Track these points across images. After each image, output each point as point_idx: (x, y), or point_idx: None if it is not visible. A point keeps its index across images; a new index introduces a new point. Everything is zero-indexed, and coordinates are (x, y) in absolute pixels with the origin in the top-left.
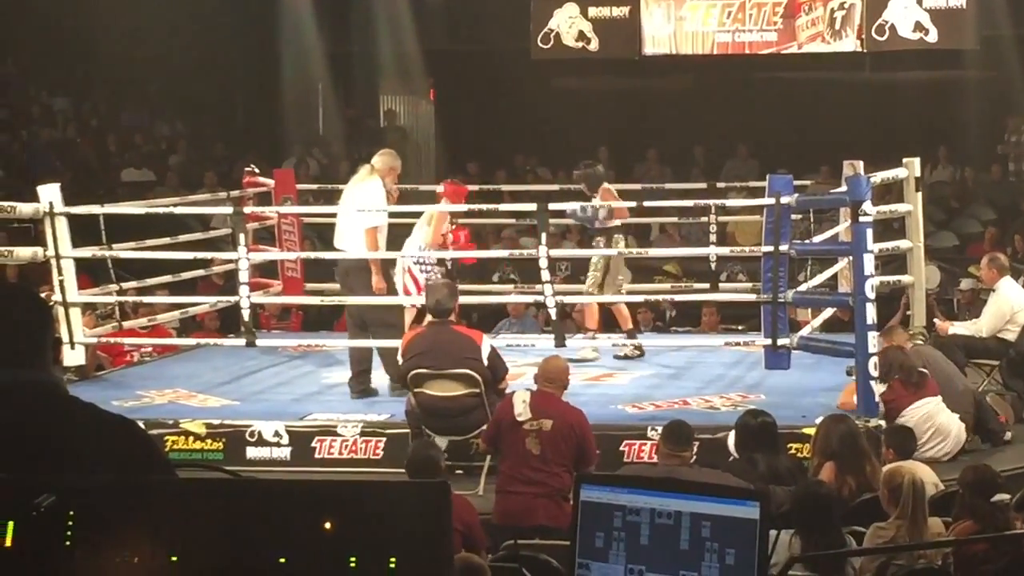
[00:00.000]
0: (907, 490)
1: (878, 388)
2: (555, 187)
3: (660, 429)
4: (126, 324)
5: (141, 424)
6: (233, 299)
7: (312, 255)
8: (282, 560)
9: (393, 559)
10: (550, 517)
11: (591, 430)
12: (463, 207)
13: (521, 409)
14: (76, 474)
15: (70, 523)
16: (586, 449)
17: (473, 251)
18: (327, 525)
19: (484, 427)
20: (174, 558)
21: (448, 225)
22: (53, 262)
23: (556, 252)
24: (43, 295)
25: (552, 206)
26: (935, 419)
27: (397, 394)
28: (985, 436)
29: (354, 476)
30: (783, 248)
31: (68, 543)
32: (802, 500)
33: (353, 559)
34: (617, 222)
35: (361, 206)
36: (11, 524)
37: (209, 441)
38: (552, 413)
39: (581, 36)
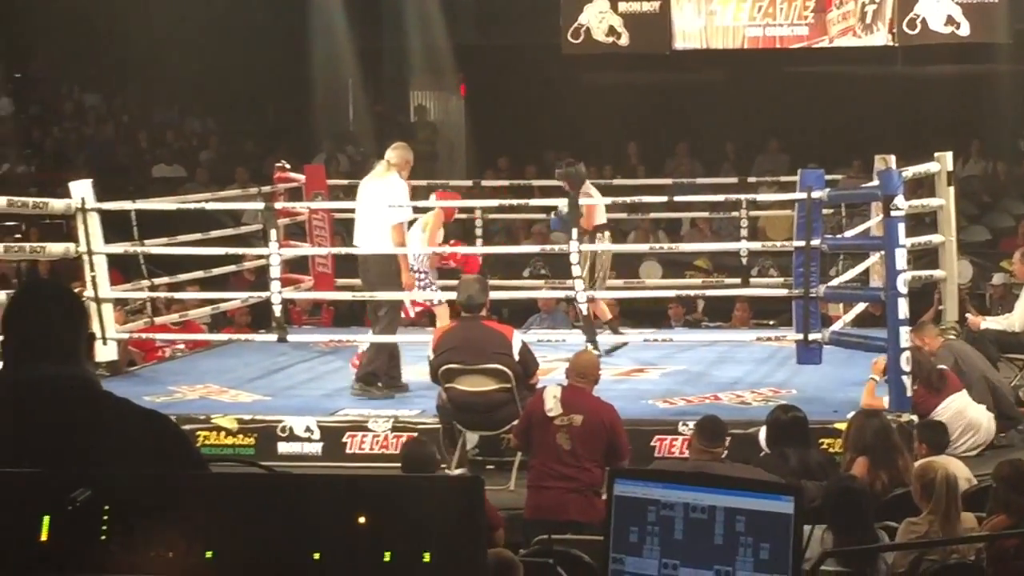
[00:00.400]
0: (940, 485)
1: (910, 384)
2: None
3: (691, 424)
4: (157, 320)
5: (174, 419)
6: (264, 295)
7: (343, 250)
8: (316, 555)
9: (427, 554)
10: (582, 512)
11: (622, 425)
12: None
13: (552, 404)
14: (111, 469)
15: (105, 517)
16: (617, 444)
17: (471, 263)
18: (361, 520)
19: (515, 422)
20: (209, 553)
21: (440, 234)
22: (85, 258)
23: (587, 247)
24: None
25: (582, 201)
26: (966, 414)
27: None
28: (1005, 424)
29: (385, 471)
30: (815, 243)
31: (103, 537)
32: (834, 495)
33: (388, 554)
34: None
35: (384, 202)
36: (47, 518)
37: (241, 436)
38: (583, 408)
39: (611, 31)
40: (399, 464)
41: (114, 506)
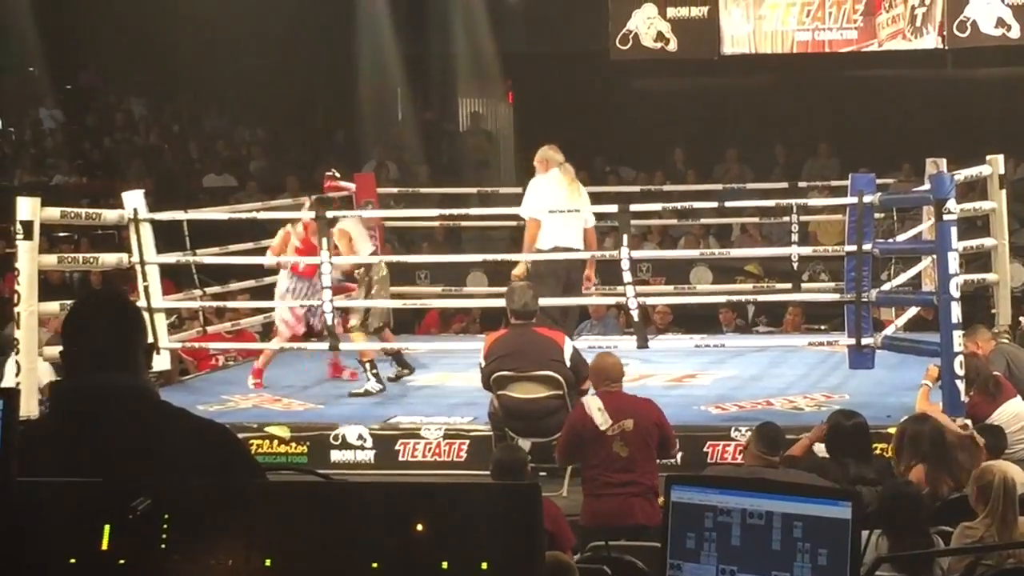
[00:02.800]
0: (998, 488)
1: (964, 388)
2: (636, 188)
3: (744, 430)
4: (210, 329)
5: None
6: (315, 303)
7: (394, 258)
8: (374, 564)
9: (485, 563)
10: (646, 516)
11: (665, 415)
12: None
13: (601, 419)
14: (170, 478)
15: (165, 526)
16: (667, 436)
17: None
18: (419, 527)
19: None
20: (268, 562)
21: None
22: (138, 268)
23: (637, 253)
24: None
25: (633, 207)
26: (1022, 417)
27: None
28: None
29: (438, 479)
30: (866, 247)
31: (163, 546)
32: (890, 500)
33: (445, 563)
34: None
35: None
36: (108, 527)
37: (293, 445)
38: (631, 412)
39: (660, 37)
40: (454, 471)
41: (173, 515)
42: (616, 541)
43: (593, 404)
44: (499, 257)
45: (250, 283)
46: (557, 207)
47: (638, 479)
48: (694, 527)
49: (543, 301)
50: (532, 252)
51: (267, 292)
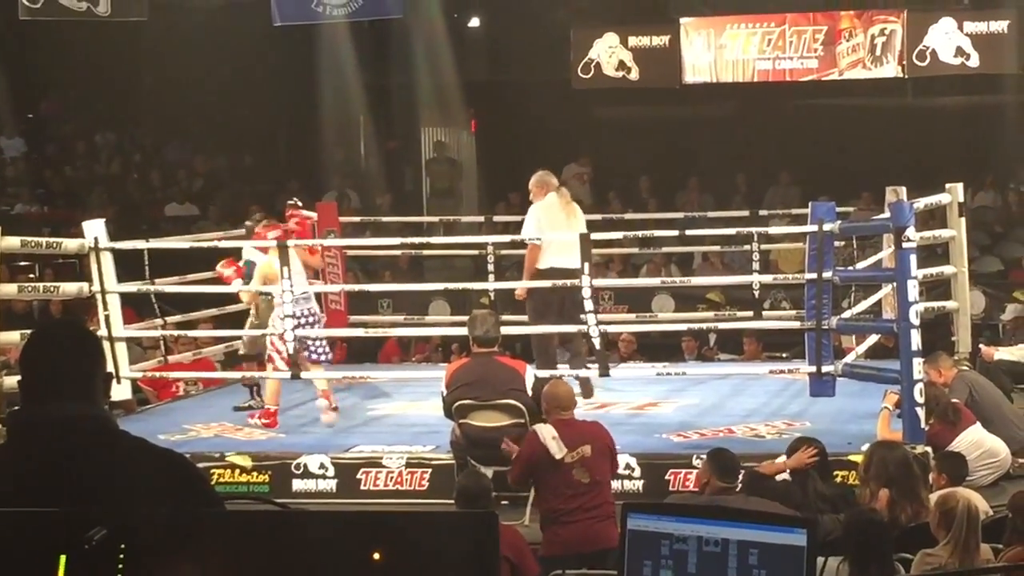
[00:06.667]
0: (961, 515)
1: (924, 416)
2: (598, 216)
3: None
4: (171, 358)
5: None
6: (277, 331)
7: (356, 287)
8: None
9: None
10: (613, 540)
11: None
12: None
13: (556, 447)
14: (127, 508)
15: (121, 556)
16: (615, 456)
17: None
18: (376, 556)
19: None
20: None
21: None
22: (99, 297)
23: (599, 282)
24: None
25: (594, 236)
26: (982, 445)
27: None
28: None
29: (400, 508)
30: (826, 275)
31: None
32: (854, 527)
33: None
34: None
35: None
36: (63, 558)
37: (255, 474)
38: (588, 438)
39: (621, 65)
40: (415, 500)
41: (130, 545)
42: (577, 570)
43: (547, 433)
44: (461, 286)
45: (212, 312)
46: (556, 230)
47: (601, 503)
48: (651, 555)
49: (529, 329)
50: (533, 276)
51: (229, 321)
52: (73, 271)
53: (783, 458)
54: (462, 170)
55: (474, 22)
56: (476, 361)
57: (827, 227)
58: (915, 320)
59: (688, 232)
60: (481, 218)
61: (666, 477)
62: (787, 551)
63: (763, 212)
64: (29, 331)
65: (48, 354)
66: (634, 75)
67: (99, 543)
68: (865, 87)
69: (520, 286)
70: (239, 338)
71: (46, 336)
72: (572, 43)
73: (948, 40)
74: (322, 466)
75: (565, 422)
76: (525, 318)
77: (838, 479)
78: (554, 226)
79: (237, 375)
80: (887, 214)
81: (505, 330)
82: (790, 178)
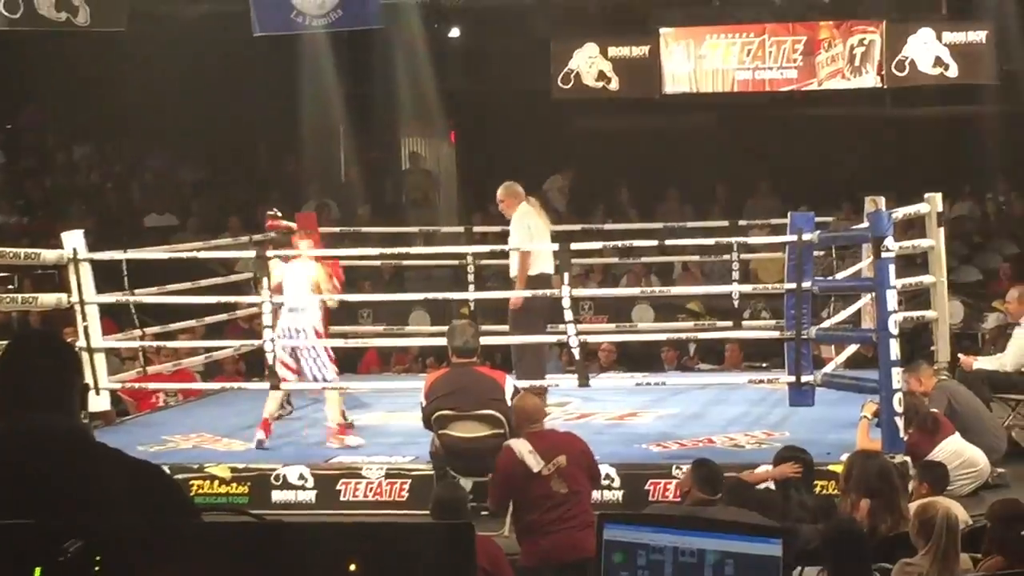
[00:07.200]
0: (940, 524)
1: (903, 425)
2: (578, 227)
3: (684, 468)
4: (150, 369)
5: (166, 469)
6: (257, 343)
7: (335, 297)
8: None
9: None
10: (591, 548)
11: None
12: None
13: (533, 461)
14: (103, 519)
15: (97, 568)
16: (594, 464)
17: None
18: (352, 567)
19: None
20: None
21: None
22: (77, 308)
23: (579, 292)
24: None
25: (574, 246)
26: (962, 454)
27: None
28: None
29: (380, 518)
30: (806, 285)
31: None
32: (834, 536)
33: None
34: None
35: None
36: (38, 570)
37: (234, 485)
38: (562, 448)
39: (601, 76)
40: (395, 511)
41: (106, 556)
42: None
43: (523, 448)
44: (441, 296)
45: (191, 323)
46: (539, 237)
47: (580, 512)
48: (627, 565)
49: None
50: (525, 284)
51: (210, 332)
52: (52, 282)
53: (767, 467)
54: (438, 181)
55: (454, 32)
56: (455, 371)
57: (806, 237)
58: (894, 330)
59: (668, 242)
60: (461, 228)
61: (646, 487)
62: (762, 561)
63: (743, 222)
64: (5, 342)
65: (23, 365)
66: (614, 85)
67: (75, 555)
68: (844, 97)
69: (514, 295)
70: (219, 348)
71: (21, 347)
72: (552, 54)
73: (926, 50)
74: (301, 477)
75: (537, 435)
76: (505, 328)
77: (817, 488)
78: (539, 234)
79: (216, 386)
80: (866, 224)
81: (485, 340)
82: (770, 188)
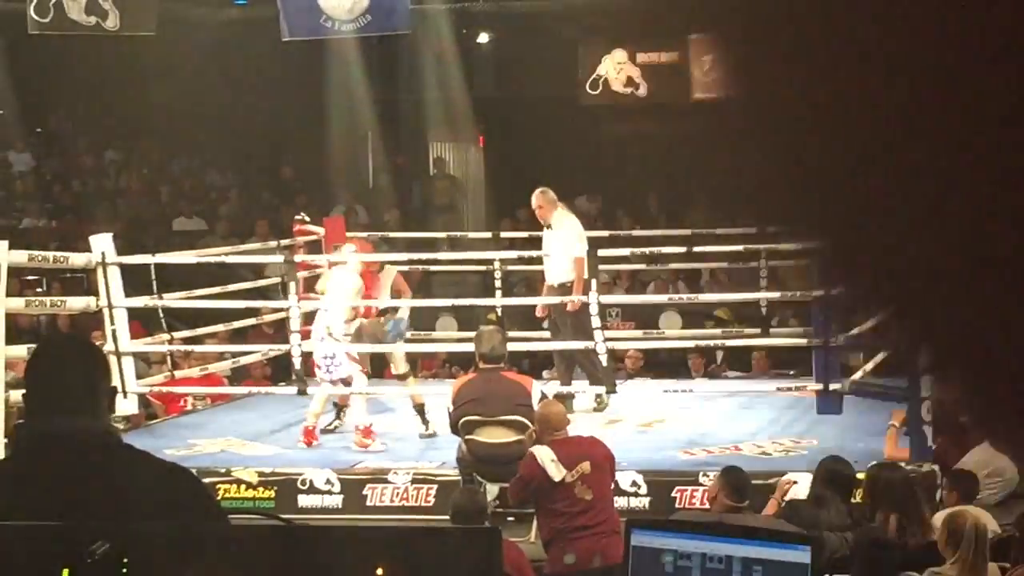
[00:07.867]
0: (969, 534)
1: (931, 434)
2: (605, 233)
3: (713, 475)
4: (178, 373)
5: (194, 471)
6: (284, 348)
7: (364, 303)
8: None
9: None
10: (617, 555)
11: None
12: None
13: (555, 470)
14: (130, 521)
15: (124, 570)
16: (614, 467)
17: None
18: (379, 572)
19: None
20: None
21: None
22: (106, 311)
23: (606, 298)
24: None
25: (602, 252)
26: (991, 463)
27: None
28: None
29: (406, 523)
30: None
31: None
32: (863, 546)
33: None
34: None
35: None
36: (66, 571)
37: (261, 489)
38: (585, 454)
39: (630, 82)
40: (421, 516)
41: (133, 559)
42: None
43: (545, 456)
44: (469, 302)
45: (219, 327)
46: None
47: (606, 519)
48: (654, 571)
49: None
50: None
51: (237, 336)
52: (80, 285)
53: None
54: (462, 186)
55: (483, 38)
56: (482, 377)
57: None
58: None
59: (696, 249)
60: (488, 234)
61: (672, 494)
62: (790, 568)
63: (771, 228)
64: (35, 345)
65: (52, 368)
66: (643, 91)
67: (102, 557)
68: None
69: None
70: (246, 353)
71: (50, 350)
72: (580, 59)
73: None
74: (328, 482)
75: (560, 442)
76: (532, 334)
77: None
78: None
79: (244, 390)
80: None
81: (512, 346)
82: None
